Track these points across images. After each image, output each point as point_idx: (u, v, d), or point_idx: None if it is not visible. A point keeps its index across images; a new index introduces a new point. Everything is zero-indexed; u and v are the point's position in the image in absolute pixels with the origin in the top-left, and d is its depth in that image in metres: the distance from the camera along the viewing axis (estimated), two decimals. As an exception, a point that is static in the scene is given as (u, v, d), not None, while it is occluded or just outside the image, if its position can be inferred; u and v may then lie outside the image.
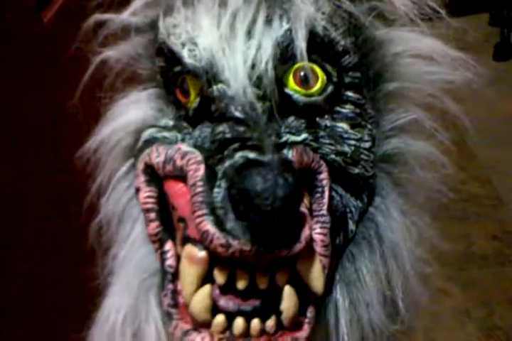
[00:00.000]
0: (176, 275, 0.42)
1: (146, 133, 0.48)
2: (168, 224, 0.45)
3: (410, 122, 0.49)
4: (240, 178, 0.36)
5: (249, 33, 0.43)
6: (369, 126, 0.47)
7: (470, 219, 2.08)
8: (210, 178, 0.39)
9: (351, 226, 0.46)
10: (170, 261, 0.43)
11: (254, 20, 0.43)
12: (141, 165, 0.46)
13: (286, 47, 0.44)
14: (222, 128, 0.40)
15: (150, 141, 0.48)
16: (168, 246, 0.44)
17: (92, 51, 0.53)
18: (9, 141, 1.11)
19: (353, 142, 0.46)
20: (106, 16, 0.52)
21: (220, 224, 0.37)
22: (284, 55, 0.44)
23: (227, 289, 0.39)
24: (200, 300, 0.39)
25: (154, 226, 0.45)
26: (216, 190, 0.38)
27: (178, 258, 0.43)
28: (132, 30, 0.51)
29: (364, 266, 0.46)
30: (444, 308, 1.79)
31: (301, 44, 0.43)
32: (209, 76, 0.43)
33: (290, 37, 0.43)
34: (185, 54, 0.44)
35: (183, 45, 0.44)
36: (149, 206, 0.46)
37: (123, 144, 0.51)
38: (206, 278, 0.40)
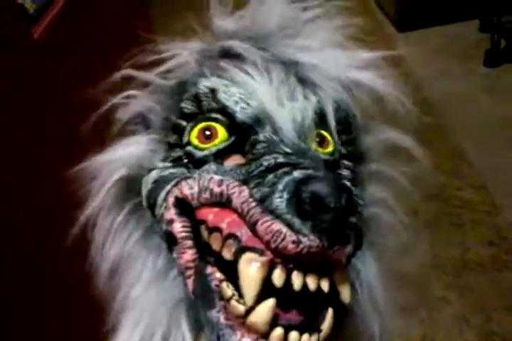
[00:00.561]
0: (221, 295, 0.47)
1: (152, 175, 0.54)
2: (203, 250, 0.50)
3: (381, 199, 0.59)
4: (307, 185, 0.43)
5: (292, 98, 0.52)
6: (359, 190, 0.57)
7: (466, 225, 2.09)
8: None
9: None
10: (215, 282, 0.48)
11: (294, 91, 0.53)
12: (171, 200, 0.51)
13: (317, 115, 0.53)
14: (274, 155, 0.47)
15: (161, 181, 0.53)
16: (210, 269, 0.48)
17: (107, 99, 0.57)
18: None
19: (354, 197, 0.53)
20: (137, 73, 0.58)
21: (288, 225, 0.43)
22: (316, 120, 0.53)
23: (281, 300, 0.44)
24: (265, 311, 0.44)
25: (192, 252, 0.50)
26: (278, 200, 0.44)
27: (219, 280, 0.47)
28: (156, 88, 0.57)
29: None
30: (442, 315, 1.79)
31: (331, 115, 0.54)
32: (256, 128, 0.51)
33: (320, 108, 0.53)
34: (238, 110, 0.52)
35: (236, 102, 0.52)
36: (185, 234, 0.51)
37: (115, 177, 0.54)
38: (265, 284, 0.44)
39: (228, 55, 0.55)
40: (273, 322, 0.44)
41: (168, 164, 0.54)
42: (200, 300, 0.48)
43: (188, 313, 0.51)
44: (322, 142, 0.54)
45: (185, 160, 0.53)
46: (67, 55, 1.42)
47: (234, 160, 0.52)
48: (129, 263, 0.54)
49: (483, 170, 2.29)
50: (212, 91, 0.53)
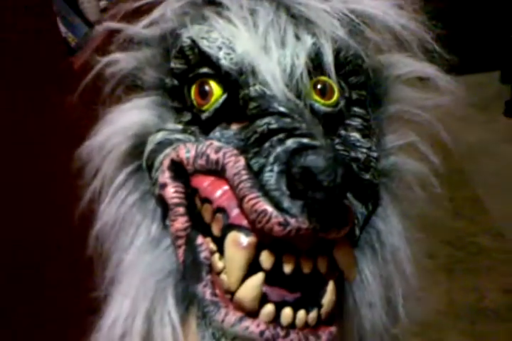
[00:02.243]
0: (211, 268, 0.44)
1: (158, 136, 0.50)
2: (195, 220, 0.46)
3: (407, 144, 0.52)
4: (299, 159, 0.37)
5: (282, 44, 0.47)
6: (374, 140, 0.51)
7: (481, 272, 2.07)
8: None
9: (357, 231, 0.48)
10: (205, 253, 0.44)
11: (285, 33, 0.47)
12: (166, 162, 0.48)
13: (313, 60, 0.47)
14: (266, 120, 0.42)
15: (164, 143, 0.49)
16: (200, 240, 0.45)
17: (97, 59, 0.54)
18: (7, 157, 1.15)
19: (364, 150, 0.49)
20: (119, 25, 0.53)
21: (276, 204, 0.38)
22: (311, 67, 0.47)
23: (271, 280, 0.40)
24: (251, 288, 0.40)
25: (183, 220, 0.46)
26: (267, 174, 0.39)
27: (210, 252, 0.44)
28: (141, 41, 0.53)
29: (367, 268, 0.49)
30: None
31: (328, 59, 0.47)
32: (244, 78, 0.46)
33: (317, 51, 0.47)
34: (221, 56, 0.46)
35: (219, 48, 0.47)
36: (177, 200, 0.47)
37: (121, 149, 0.51)
38: (252, 266, 0.40)
39: (212, 1, 0.50)
40: (263, 299, 0.40)
41: (179, 127, 0.50)
42: (189, 273, 0.45)
43: (176, 287, 0.47)
44: (324, 91, 0.48)
45: (195, 126, 0.49)
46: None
47: (240, 124, 0.46)
48: (123, 227, 0.51)
49: (500, 217, 2.29)
50: (194, 41, 0.48)
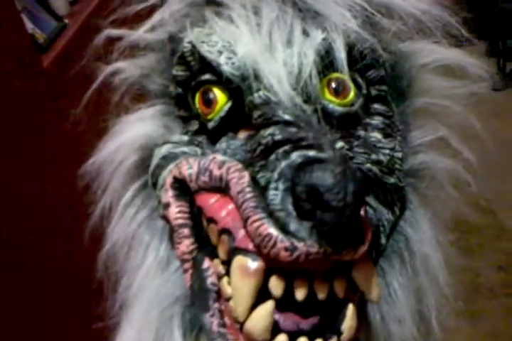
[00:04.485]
0: (219, 294, 0.40)
1: (163, 150, 0.47)
2: (202, 241, 0.43)
3: (437, 139, 0.48)
4: (304, 176, 0.34)
5: (289, 42, 0.43)
6: (399, 138, 0.47)
7: (474, 250, 2.06)
8: (254, 186, 0.37)
9: (383, 240, 0.44)
10: (212, 279, 0.41)
11: (291, 30, 0.43)
12: (169, 180, 0.45)
13: (324, 57, 0.44)
14: (270, 131, 0.38)
15: (168, 157, 0.46)
16: (207, 263, 0.42)
17: (99, 68, 0.51)
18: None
19: (387, 151, 0.45)
20: (119, 32, 0.51)
21: (281, 226, 0.35)
22: (322, 65, 0.43)
23: (284, 305, 0.37)
24: (261, 317, 0.36)
25: (188, 243, 0.43)
26: (272, 192, 0.36)
27: (218, 276, 0.41)
28: (144, 47, 0.50)
29: (395, 280, 0.45)
30: (453, 342, 1.76)
31: (340, 54, 0.43)
32: (247, 84, 0.42)
33: (327, 47, 0.44)
34: (222, 62, 0.43)
35: (220, 52, 0.43)
36: (181, 221, 0.44)
37: (128, 163, 0.49)
38: (262, 293, 0.37)
39: (213, 0, 0.47)
40: (275, 329, 0.37)
41: (185, 138, 0.47)
42: (196, 300, 0.42)
43: (183, 316, 0.44)
44: (338, 89, 0.44)
45: (203, 136, 0.46)
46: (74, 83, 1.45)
47: (248, 131, 0.43)
48: (132, 247, 0.48)
49: (492, 195, 2.28)
50: (194, 46, 0.45)
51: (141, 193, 0.49)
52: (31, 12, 1.56)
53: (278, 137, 0.38)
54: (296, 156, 0.36)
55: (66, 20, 1.70)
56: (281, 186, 0.35)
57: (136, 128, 0.49)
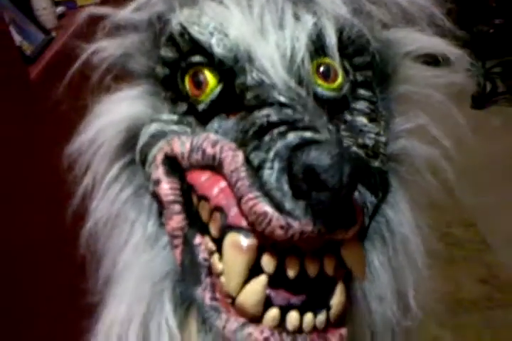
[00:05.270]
0: (210, 269, 0.41)
1: (152, 128, 0.47)
2: (192, 217, 0.43)
3: (418, 126, 0.49)
4: (301, 156, 0.34)
5: (280, 25, 0.43)
6: (382, 123, 0.48)
7: (457, 262, 2.08)
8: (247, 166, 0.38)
9: (366, 221, 0.45)
10: (203, 254, 0.41)
11: (283, 13, 0.44)
12: (159, 156, 0.45)
13: (314, 42, 0.44)
14: (265, 112, 0.39)
15: (158, 135, 0.46)
16: (198, 239, 0.42)
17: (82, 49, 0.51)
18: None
19: (372, 135, 0.46)
20: (103, 10, 0.50)
21: (277, 205, 0.35)
22: (313, 49, 0.44)
23: (275, 281, 0.38)
24: (253, 292, 0.37)
25: (179, 219, 0.44)
26: (267, 171, 0.36)
27: (209, 252, 0.41)
28: (127, 26, 0.50)
29: (377, 259, 0.46)
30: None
31: (331, 40, 0.44)
32: (240, 66, 0.42)
33: (318, 32, 0.44)
34: (213, 43, 0.43)
35: (211, 34, 0.43)
36: (172, 198, 0.44)
37: (113, 143, 0.48)
38: (254, 269, 0.38)
39: None
40: (267, 303, 0.38)
41: (174, 117, 0.47)
42: (187, 275, 0.43)
43: (174, 290, 0.44)
44: (327, 74, 0.45)
45: (192, 116, 0.46)
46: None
47: (239, 113, 0.43)
48: (117, 225, 0.48)
49: (472, 209, 2.31)
50: (184, 27, 0.45)
51: (125, 171, 0.49)
52: (19, 25, 1.57)
53: (273, 118, 0.38)
54: (292, 137, 0.36)
55: (53, 33, 1.71)
56: (276, 166, 0.36)
57: (122, 108, 0.48)
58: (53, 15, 1.83)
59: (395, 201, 0.47)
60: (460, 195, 2.37)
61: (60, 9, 1.94)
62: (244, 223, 0.38)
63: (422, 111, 0.50)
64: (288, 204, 0.35)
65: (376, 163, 0.45)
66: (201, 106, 0.45)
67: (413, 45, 0.50)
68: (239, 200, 0.37)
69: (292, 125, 0.37)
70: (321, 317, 0.38)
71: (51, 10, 1.82)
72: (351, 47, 0.46)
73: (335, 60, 0.45)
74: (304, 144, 0.35)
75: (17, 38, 1.47)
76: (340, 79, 0.45)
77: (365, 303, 0.45)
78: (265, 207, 0.36)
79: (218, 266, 0.40)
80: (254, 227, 0.37)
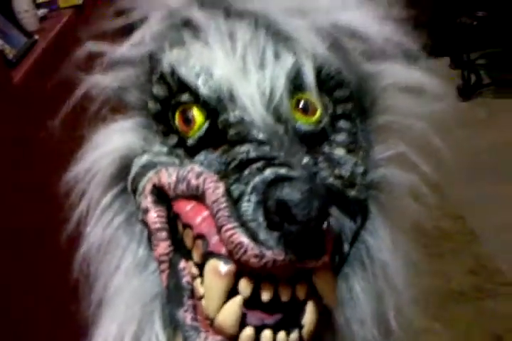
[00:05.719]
0: (193, 292, 0.44)
1: (143, 159, 0.50)
2: (178, 243, 0.47)
3: (397, 154, 0.52)
4: (274, 191, 0.38)
5: (261, 65, 0.47)
6: (361, 153, 0.50)
7: (446, 255, 2.10)
8: (228, 197, 0.41)
9: (346, 247, 0.48)
10: (187, 278, 0.45)
11: (263, 53, 0.47)
12: (148, 186, 0.48)
13: (294, 79, 0.47)
14: (245, 148, 0.43)
15: (148, 166, 0.49)
16: (183, 264, 0.45)
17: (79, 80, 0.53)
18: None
19: (349, 167, 0.49)
20: (101, 47, 0.53)
21: (252, 235, 0.39)
22: (292, 86, 0.47)
23: (251, 303, 0.41)
24: (230, 311, 0.41)
25: (166, 245, 0.47)
26: (245, 204, 0.40)
27: (192, 277, 0.45)
28: (124, 62, 0.52)
29: (357, 284, 0.49)
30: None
31: (309, 78, 0.47)
32: (223, 104, 0.46)
33: (297, 70, 0.47)
34: (199, 84, 0.46)
35: (197, 75, 0.47)
36: (159, 225, 0.47)
37: (106, 172, 0.51)
38: (232, 292, 0.41)
39: (191, 23, 0.49)
40: (242, 323, 0.41)
41: (165, 149, 0.50)
42: (171, 297, 0.46)
43: (163, 310, 0.47)
44: (306, 108, 0.48)
45: (181, 149, 0.49)
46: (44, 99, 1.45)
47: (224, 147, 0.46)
48: (109, 250, 0.50)
49: (460, 201, 2.32)
50: (173, 68, 0.48)
51: (118, 199, 0.51)
52: (0, 28, 1.56)
53: (252, 154, 0.42)
54: (268, 173, 0.40)
55: (36, 36, 1.70)
56: (253, 199, 0.40)
57: (116, 139, 0.51)
58: (35, 18, 1.82)
59: (374, 228, 0.50)
60: (447, 188, 2.40)
61: (42, 11, 1.93)
62: (223, 250, 0.41)
63: (400, 140, 0.52)
64: (262, 235, 0.39)
65: (353, 193, 0.47)
66: (190, 142, 0.48)
67: (391, 78, 0.52)
68: (219, 229, 0.41)
69: (269, 161, 0.41)
70: (294, 335, 0.41)
71: (33, 12, 1.81)
72: (331, 82, 0.49)
73: (313, 96, 0.47)
74: (279, 180, 0.39)
75: (-1, 42, 1.46)
76: (318, 113, 0.48)
77: (347, 327, 0.48)
78: (241, 238, 0.39)
79: (200, 289, 0.43)
80: (232, 255, 0.40)
